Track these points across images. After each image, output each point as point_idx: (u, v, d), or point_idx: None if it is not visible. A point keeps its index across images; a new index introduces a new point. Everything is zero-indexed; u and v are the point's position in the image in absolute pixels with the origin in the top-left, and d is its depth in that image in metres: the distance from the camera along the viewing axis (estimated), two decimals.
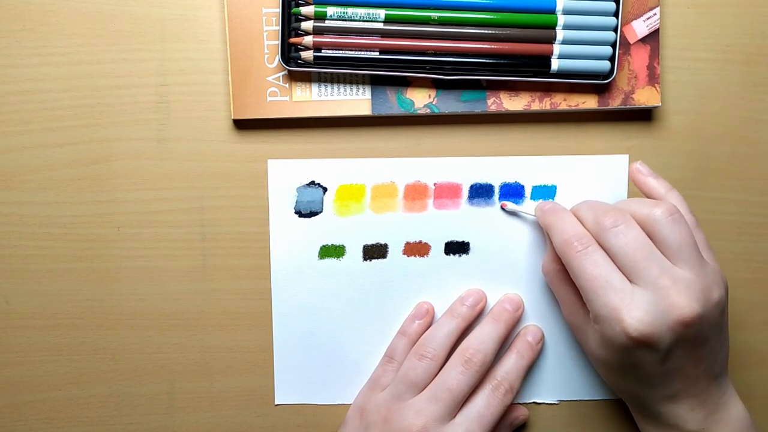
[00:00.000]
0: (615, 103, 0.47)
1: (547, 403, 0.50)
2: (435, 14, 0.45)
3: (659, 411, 0.43)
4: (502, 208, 0.48)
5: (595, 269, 0.41)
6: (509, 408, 0.46)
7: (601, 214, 0.42)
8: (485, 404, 0.45)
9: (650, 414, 0.43)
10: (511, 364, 0.47)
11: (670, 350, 0.40)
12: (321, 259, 0.48)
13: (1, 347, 0.48)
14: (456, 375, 0.44)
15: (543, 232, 0.47)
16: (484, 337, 0.46)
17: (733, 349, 0.47)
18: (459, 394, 0.44)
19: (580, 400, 0.50)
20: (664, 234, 0.41)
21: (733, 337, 0.47)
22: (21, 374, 0.49)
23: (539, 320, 0.49)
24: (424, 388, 0.45)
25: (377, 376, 0.48)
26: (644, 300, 0.40)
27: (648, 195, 0.45)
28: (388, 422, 0.44)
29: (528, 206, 0.48)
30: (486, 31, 0.45)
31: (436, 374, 0.45)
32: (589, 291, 0.41)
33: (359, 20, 0.45)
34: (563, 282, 0.45)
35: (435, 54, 0.46)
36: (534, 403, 0.49)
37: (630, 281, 0.41)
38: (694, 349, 0.41)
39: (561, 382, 0.49)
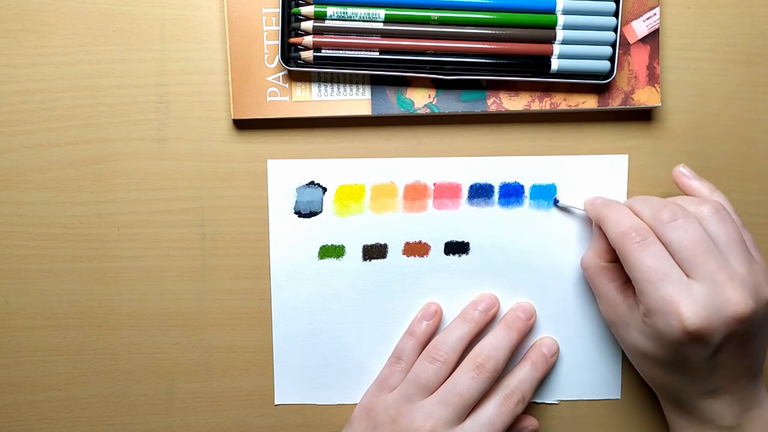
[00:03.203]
0: (615, 103, 0.47)
1: (547, 403, 0.50)
2: (435, 14, 0.45)
3: (697, 406, 0.43)
4: (555, 204, 0.48)
5: (653, 261, 0.40)
6: (518, 417, 0.46)
7: (659, 207, 0.42)
8: (496, 412, 0.45)
9: (686, 408, 0.43)
10: (525, 374, 0.47)
11: (721, 345, 0.40)
12: (321, 259, 0.48)
13: (1, 347, 0.48)
14: (467, 380, 0.44)
15: (591, 226, 0.47)
16: (496, 344, 0.46)
17: None
18: (469, 399, 0.44)
19: (580, 400, 0.50)
20: (712, 230, 0.41)
21: None
22: (21, 374, 0.49)
23: (539, 320, 0.49)
24: (434, 391, 0.45)
25: (384, 377, 0.47)
26: (701, 294, 0.40)
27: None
28: (396, 423, 0.44)
29: (578, 202, 0.48)
30: (486, 31, 0.45)
31: (447, 378, 0.45)
32: (645, 283, 0.41)
33: (359, 20, 0.45)
34: (605, 278, 0.45)
35: (435, 54, 0.46)
36: (534, 403, 0.49)
37: (686, 275, 0.40)
38: (743, 345, 0.41)
39: (561, 382, 0.49)
